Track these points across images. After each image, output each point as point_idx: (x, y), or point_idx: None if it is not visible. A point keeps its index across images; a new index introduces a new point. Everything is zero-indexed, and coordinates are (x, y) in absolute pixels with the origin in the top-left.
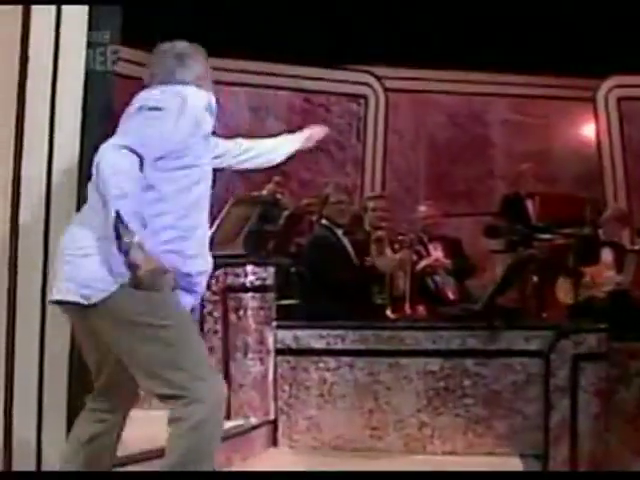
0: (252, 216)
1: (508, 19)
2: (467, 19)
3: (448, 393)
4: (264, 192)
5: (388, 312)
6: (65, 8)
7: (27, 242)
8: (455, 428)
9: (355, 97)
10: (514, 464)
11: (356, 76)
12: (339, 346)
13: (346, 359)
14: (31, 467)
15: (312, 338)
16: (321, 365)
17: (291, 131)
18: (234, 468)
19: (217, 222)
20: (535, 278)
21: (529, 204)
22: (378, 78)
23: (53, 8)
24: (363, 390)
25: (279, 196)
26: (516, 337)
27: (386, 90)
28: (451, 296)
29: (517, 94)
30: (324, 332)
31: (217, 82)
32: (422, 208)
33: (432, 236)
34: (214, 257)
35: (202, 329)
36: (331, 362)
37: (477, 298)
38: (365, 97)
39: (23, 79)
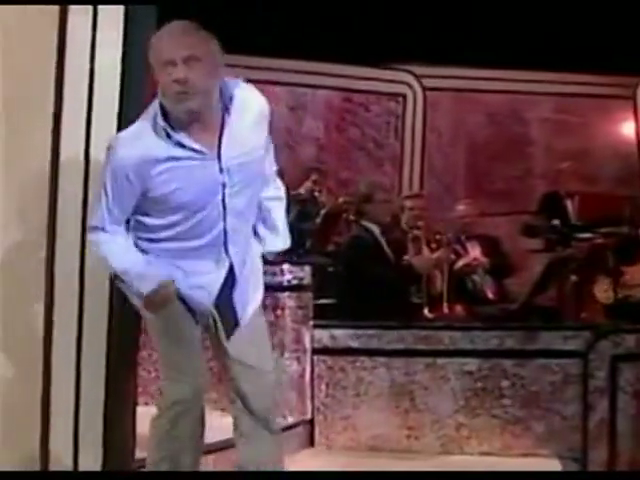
0: (290, 214)
1: (548, 17)
2: (507, 17)
3: (486, 394)
4: (301, 190)
5: (425, 311)
6: (101, 8)
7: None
8: (492, 429)
9: (394, 96)
10: (552, 465)
11: (395, 75)
12: (376, 346)
13: (383, 359)
14: (68, 467)
15: (349, 337)
16: (358, 365)
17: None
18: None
19: None
20: (574, 277)
21: (568, 203)
22: (417, 77)
23: (90, 8)
24: (400, 390)
25: (316, 194)
26: (554, 337)
27: (425, 89)
28: (489, 295)
29: (557, 92)
30: (361, 332)
31: (257, 81)
32: (461, 207)
33: (470, 235)
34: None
35: None
36: (368, 362)
37: (515, 297)
38: (404, 96)
39: (60, 79)
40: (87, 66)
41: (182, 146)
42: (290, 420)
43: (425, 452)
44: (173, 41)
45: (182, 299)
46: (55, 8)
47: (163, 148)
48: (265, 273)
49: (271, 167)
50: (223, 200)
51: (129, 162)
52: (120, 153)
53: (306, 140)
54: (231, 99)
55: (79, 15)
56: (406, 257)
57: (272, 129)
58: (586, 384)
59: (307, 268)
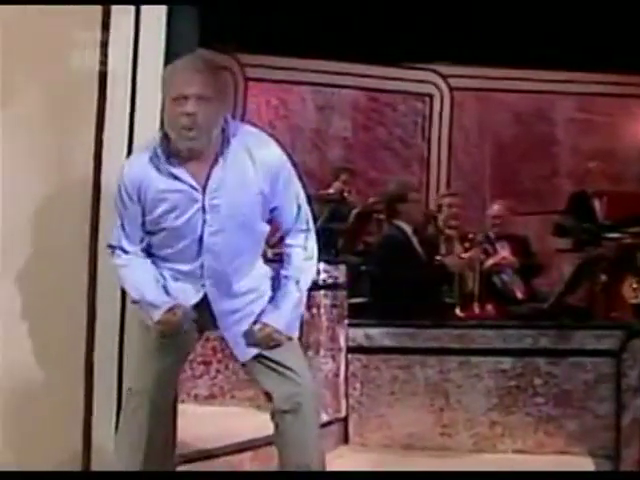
0: (322, 214)
1: (573, 16)
2: (532, 17)
3: (519, 392)
4: (331, 190)
5: (457, 311)
6: (144, 8)
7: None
8: (526, 427)
9: (421, 95)
10: (585, 463)
11: (422, 75)
12: (410, 344)
13: (417, 357)
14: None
15: (383, 336)
16: (392, 363)
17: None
18: None
19: None
20: (604, 277)
21: (596, 202)
22: (444, 77)
23: (132, 8)
24: (434, 388)
25: (346, 194)
26: (587, 336)
27: (451, 89)
28: (519, 295)
29: (582, 92)
30: (395, 330)
31: (285, 81)
32: (493, 206)
33: (500, 234)
34: None
35: None
36: (402, 360)
37: (543, 297)
38: (430, 95)
39: (103, 80)
40: (129, 66)
41: (177, 179)
42: (325, 418)
43: (458, 450)
44: (187, 77)
45: None
46: (98, 8)
47: (159, 179)
48: None
49: (295, 221)
50: (201, 237)
51: (131, 183)
52: (125, 173)
53: (334, 140)
54: (229, 142)
55: (121, 15)
56: (438, 257)
57: (300, 129)
58: (619, 383)
59: (342, 267)
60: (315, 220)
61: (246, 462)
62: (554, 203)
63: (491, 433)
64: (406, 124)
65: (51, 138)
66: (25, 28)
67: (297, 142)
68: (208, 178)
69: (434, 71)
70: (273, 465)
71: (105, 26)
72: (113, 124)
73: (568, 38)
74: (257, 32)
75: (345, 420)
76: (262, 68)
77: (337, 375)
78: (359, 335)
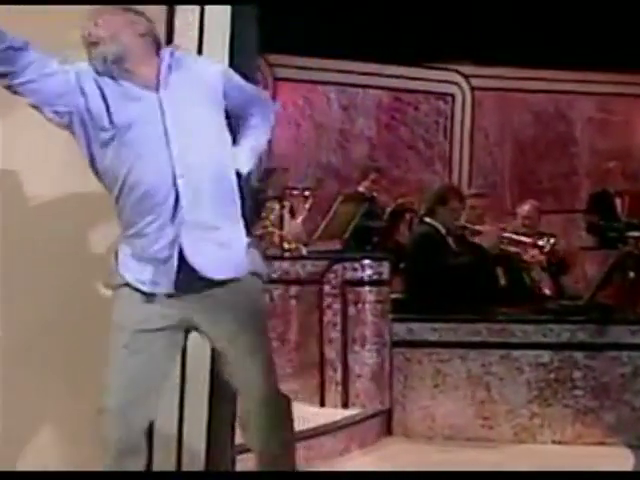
0: (357, 213)
1: (592, 17)
2: (552, 18)
3: (558, 384)
4: (360, 189)
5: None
6: (208, 8)
7: None
8: (564, 418)
9: (443, 95)
10: (621, 454)
11: (444, 75)
12: (452, 338)
13: (459, 351)
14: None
15: (426, 331)
16: (435, 357)
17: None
18: (352, 456)
19: (326, 219)
20: (632, 274)
21: (618, 201)
22: (465, 77)
23: (197, 8)
24: (475, 381)
25: (374, 193)
26: (622, 331)
27: (473, 88)
28: (547, 292)
29: (601, 92)
30: (438, 325)
31: (311, 81)
32: (524, 206)
33: (528, 232)
34: (331, 252)
35: (321, 321)
36: (444, 354)
37: (571, 294)
38: (452, 95)
39: None
40: None
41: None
42: (370, 410)
43: (499, 441)
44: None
45: None
46: (162, 8)
47: None
48: (346, 269)
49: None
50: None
51: None
52: None
53: (358, 139)
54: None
55: (186, 15)
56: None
57: (325, 129)
58: None
59: (385, 264)
60: (352, 218)
61: (300, 451)
62: (572, 202)
63: (531, 424)
64: (428, 123)
65: None
66: None
67: (322, 141)
68: None
69: (456, 71)
70: (319, 455)
71: (170, 26)
72: None
73: (587, 39)
74: (284, 33)
75: (389, 412)
76: (289, 68)
77: (382, 368)
78: (403, 329)
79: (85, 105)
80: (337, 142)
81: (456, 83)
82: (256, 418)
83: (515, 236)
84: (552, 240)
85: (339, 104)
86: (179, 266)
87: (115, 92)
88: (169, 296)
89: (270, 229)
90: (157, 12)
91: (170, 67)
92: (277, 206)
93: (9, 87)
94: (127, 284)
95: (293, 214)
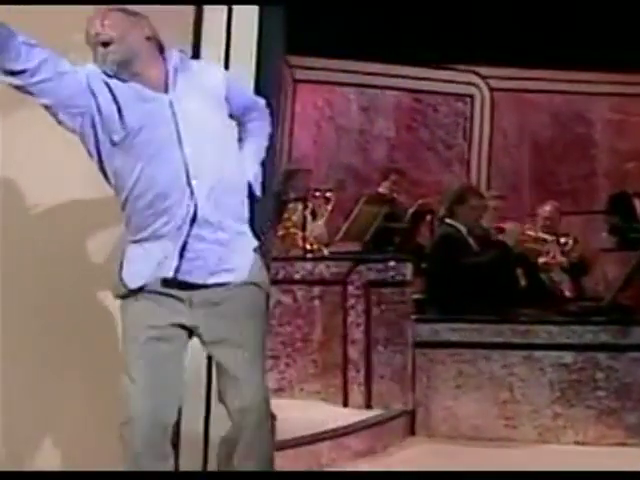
0: (380, 214)
1: (609, 18)
2: (571, 19)
3: (581, 385)
4: (380, 190)
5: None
6: (236, 8)
7: None
8: (587, 419)
9: (462, 96)
10: None
11: (463, 76)
12: (475, 339)
13: (482, 352)
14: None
15: (449, 331)
16: (458, 358)
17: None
18: (376, 456)
19: (349, 220)
20: None
21: (637, 202)
22: (484, 78)
23: (224, 8)
24: (498, 382)
25: (395, 195)
26: None
27: (491, 89)
28: (567, 293)
29: (619, 93)
30: (461, 326)
31: (331, 83)
32: (545, 207)
33: (549, 234)
34: (354, 253)
35: (345, 322)
36: (467, 354)
37: (591, 295)
38: (471, 96)
39: None
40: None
41: None
42: (393, 410)
43: (522, 441)
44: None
45: None
46: (190, 8)
47: None
48: (370, 269)
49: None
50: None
51: None
52: None
53: (378, 140)
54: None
55: (214, 15)
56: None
57: (345, 130)
58: None
59: (409, 265)
60: (374, 220)
61: (324, 453)
62: (591, 203)
63: (554, 425)
64: (447, 125)
65: None
66: None
67: (342, 142)
68: None
69: (475, 72)
70: (343, 456)
71: (197, 26)
72: None
73: (605, 40)
74: (304, 34)
75: (412, 413)
76: (309, 70)
77: (405, 369)
78: (426, 330)
79: (96, 106)
80: (357, 143)
81: (475, 84)
82: (249, 417)
83: (537, 234)
84: (571, 241)
85: (359, 105)
86: (178, 266)
87: (126, 94)
88: (175, 297)
89: (292, 230)
90: (184, 12)
91: (176, 69)
92: (300, 207)
93: (23, 87)
94: (132, 291)
95: (314, 215)
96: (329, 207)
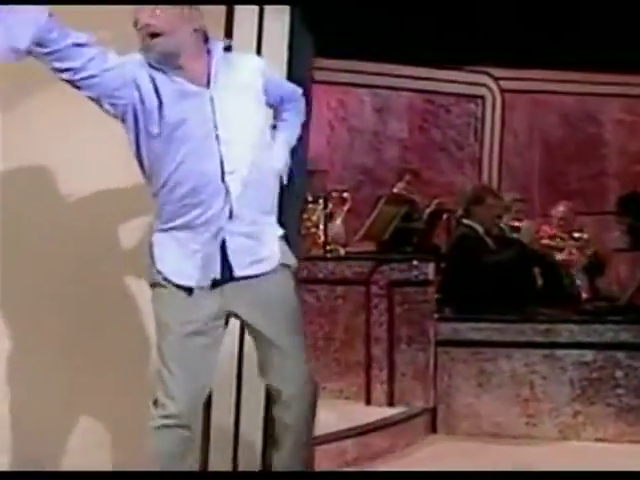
0: (398, 215)
1: (620, 19)
2: (582, 20)
3: (601, 383)
4: (395, 190)
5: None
6: (267, 8)
7: None
8: (607, 416)
9: (473, 97)
10: None
11: (474, 77)
12: (497, 338)
13: (503, 350)
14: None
15: (471, 330)
16: (479, 356)
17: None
18: (397, 453)
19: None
20: None
21: None
22: (495, 79)
23: (256, 8)
24: (519, 380)
25: (413, 195)
26: None
27: (503, 91)
28: (583, 293)
29: (630, 94)
30: (482, 325)
31: (343, 84)
32: (559, 207)
33: (565, 233)
34: (373, 253)
35: (368, 321)
36: (488, 353)
37: (606, 295)
38: (483, 97)
39: None
40: None
41: None
42: (415, 408)
43: (543, 438)
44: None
45: None
46: (221, 8)
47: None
48: (393, 269)
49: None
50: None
51: None
52: None
53: (391, 141)
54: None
55: (245, 15)
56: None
57: (359, 131)
58: None
59: (431, 264)
60: (392, 220)
61: (348, 451)
62: (602, 204)
63: (574, 422)
64: (459, 125)
65: None
66: None
67: (355, 143)
68: None
69: (486, 73)
70: (367, 454)
71: (228, 26)
72: None
73: (617, 41)
74: (318, 35)
75: (434, 410)
76: (322, 70)
77: (427, 367)
78: (447, 329)
79: (139, 98)
80: (370, 144)
81: (486, 85)
82: (298, 400)
83: (553, 230)
84: (586, 236)
85: (372, 106)
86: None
87: (168, 89)
88: (210, 288)
89: (312, 230)
90: (216, 12)
91: (219, 62)
92: (319, 207)
93: (71, 81)
94: (165, 279)
95: (331, 216)
96: (345, 207)
